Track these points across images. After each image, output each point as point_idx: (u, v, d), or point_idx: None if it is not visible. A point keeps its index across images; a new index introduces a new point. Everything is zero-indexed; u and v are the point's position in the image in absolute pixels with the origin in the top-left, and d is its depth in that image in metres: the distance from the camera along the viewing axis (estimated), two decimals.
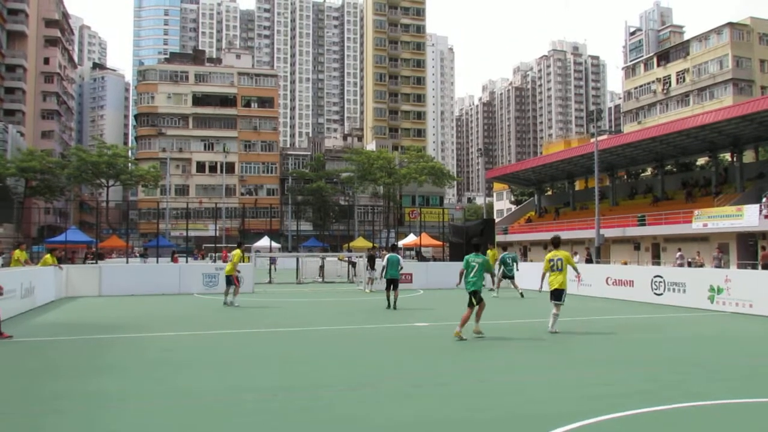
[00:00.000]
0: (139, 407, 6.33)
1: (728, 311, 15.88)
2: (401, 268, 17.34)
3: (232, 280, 17.61)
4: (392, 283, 16.98)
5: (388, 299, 16.99)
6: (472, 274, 11.33)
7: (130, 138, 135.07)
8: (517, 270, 22.72)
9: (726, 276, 16.69)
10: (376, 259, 24.69)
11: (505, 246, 29.23)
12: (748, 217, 32.20)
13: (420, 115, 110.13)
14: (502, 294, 22.24)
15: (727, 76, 70.34)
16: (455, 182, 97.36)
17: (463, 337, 10.96)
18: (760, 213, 31.72)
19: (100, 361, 8.91)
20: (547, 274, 12.07)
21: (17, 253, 18.99)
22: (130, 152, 75.55)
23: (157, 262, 32.39)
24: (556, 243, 12.36)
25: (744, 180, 40.76)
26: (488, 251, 23.26)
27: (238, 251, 18.35)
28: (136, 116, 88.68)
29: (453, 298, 21.67)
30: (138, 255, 45.43)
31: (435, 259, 47.95)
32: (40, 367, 8.63)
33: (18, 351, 10.03)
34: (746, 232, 34.48)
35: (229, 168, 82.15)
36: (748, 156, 46.59)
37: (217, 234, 48.06)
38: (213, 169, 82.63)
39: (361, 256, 28.19)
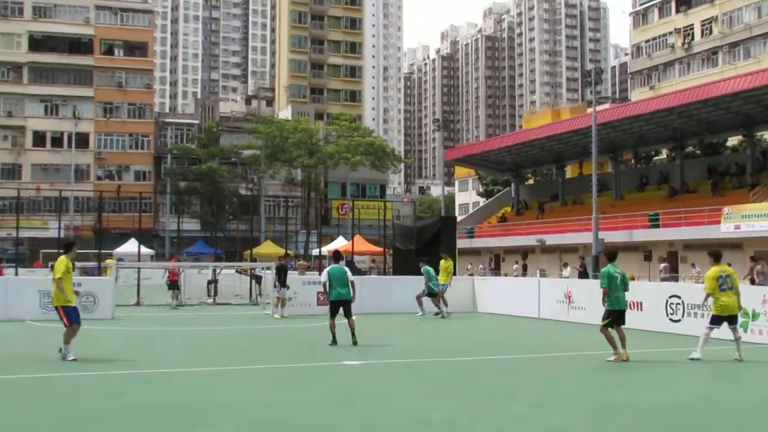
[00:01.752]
0: None
1: (765, 343, 16.35)
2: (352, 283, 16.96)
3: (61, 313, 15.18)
4: (344, 307, 16.53)
5: (334, 333, 16.35)
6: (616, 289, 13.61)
7: None
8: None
9: (765, 296, 17.16)
10: (290, 272, 24.86)
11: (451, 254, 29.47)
12: None
13: (355, 72, 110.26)
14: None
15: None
16: (402, 165, 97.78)
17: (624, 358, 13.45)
18: None
19: None
20: (710, 296, 13.83)
21: None
22: None
23: None
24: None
25: None
26: (442, 261, 25.24)
27: (63, 259, 15.22)
28: None
29: (398, 325, 21.71)
30: None
31: (374, 272, 48.02)
32: None
33: None
34: None
35: (82, 141, 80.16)
36: None
37: (63, 234, 46.55)
38: (57, 142, 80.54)
39: (268, 268, 28.01)
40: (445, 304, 24.73)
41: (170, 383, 11.59)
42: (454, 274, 28.58)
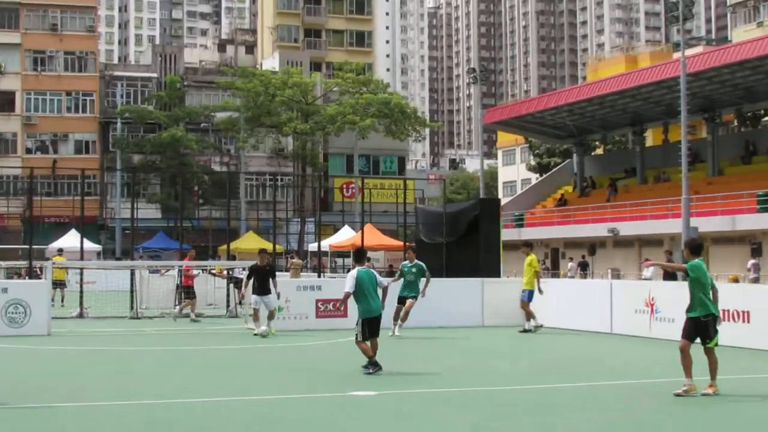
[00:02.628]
0: None
1: None
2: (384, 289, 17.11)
3: None
4: (375, 325, 16.06)
5: (371, 357, 15.96)
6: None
7: None
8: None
9: None
10: (280, 274, 24.85)
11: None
12: None
13: (363, 6, 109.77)
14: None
15: None
16: (428, 131, 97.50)
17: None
18: None
19: None
20: None
21: None
22: None
23: None
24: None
25: None
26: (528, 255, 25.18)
27: None
28: None
29: (422, 344, 21.70)
30: None
31: (391, 273, 47.94)
32: None
33: None
34: None
35: (6, 102, 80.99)
36: None
37: None
38: None
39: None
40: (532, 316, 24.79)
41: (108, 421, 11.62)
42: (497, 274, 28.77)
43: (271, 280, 24.00)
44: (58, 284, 34.93)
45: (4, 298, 23.32)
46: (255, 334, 23.18)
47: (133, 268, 35.72)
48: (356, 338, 15.74)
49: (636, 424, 11.38)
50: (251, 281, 24.11)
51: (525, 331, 24.40)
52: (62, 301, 35.33)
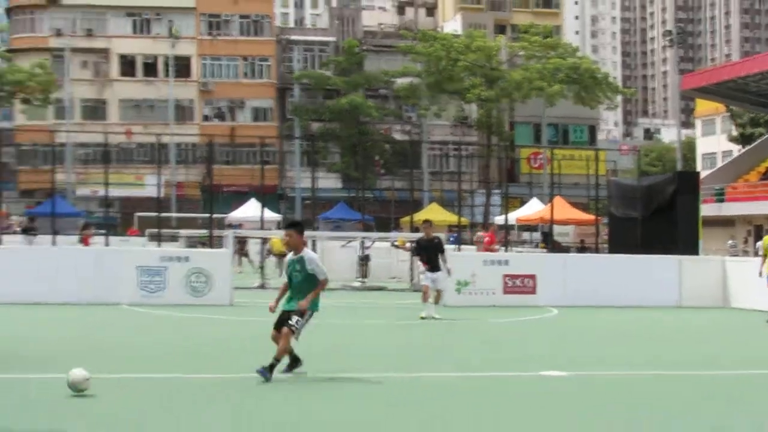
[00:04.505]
0: None
1: None
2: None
3: None
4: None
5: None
6: None
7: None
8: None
9: None
10: (468, 248, 24.81)
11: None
12: None
13: None
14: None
15: None
16: (620, 98, 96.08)
17: None
18: None
19: None
20: None
21: None
22: None
23: (53, 243, 33.26)
24: None
25: None
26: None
27: None
28: None
29: (616, 323, 21.89)
30: (19, 229, 46.47)
31: (583, 248, 47.79)
32: None
33: None
34: None
35: (182, 68, 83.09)
36: None
37: (162, 194, 48.82)
38: (151, 69, 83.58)
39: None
40: None
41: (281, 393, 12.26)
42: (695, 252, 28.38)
43: (439, 255, 22.89)
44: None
45: (186, 266, 24.34)
46: (421, 318, 22.08)
47: (314, 238, 36.77)
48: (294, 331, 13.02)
49: None
50: (420, 256, 23.65)
51: None
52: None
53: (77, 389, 9.60)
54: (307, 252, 13.32)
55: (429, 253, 23.02)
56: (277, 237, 33.11)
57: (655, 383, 13.35)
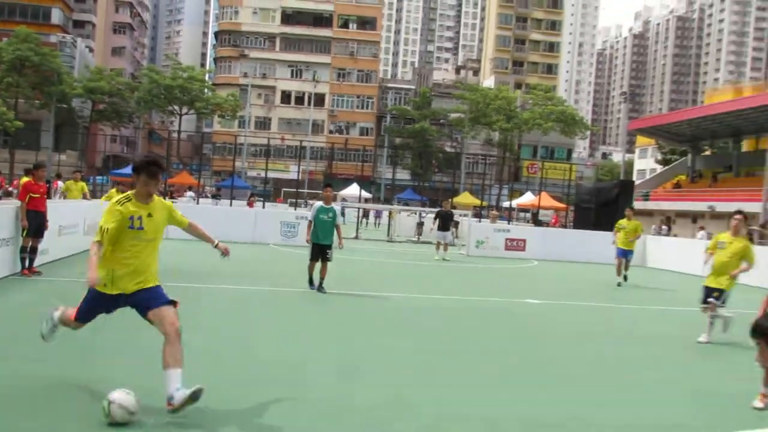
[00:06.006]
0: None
1: None
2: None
3: None
4: (319, 251, 12.91)
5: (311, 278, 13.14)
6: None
7: (209, 60, 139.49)
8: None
9: None
10: (483, 221, 24.83)
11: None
12: None
13: (553, 47, 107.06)
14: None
15: None
16: (589, 132, 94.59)
17: None
18: None
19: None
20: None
21: (69, 183, 19.15)
22: (207, 76, 77.71)
23: (231, 204, 33.67)
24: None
25: None
26: (625, 220, 19.05)
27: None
28: (216, 34, 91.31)
29: (571, 272, 21.60)
30: (209, 195, 47.17)
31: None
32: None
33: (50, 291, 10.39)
34: None
35: (319, 100, 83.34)
36: None
37: (300, 177, 49.29)
38: (300, 100, 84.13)
39: (465, 215, 28.02)
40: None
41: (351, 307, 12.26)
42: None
43: (450, 221, 23.70)
44: None
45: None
46: (435, 259, 22.45)
47: (391, 209, 36.83)
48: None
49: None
50: (437, 221, 23.40)
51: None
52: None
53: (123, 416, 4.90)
54: (335, 205, 13.08)
55: (444, 219, 23.26)
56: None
57: (597, 309, 13.29)
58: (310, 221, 12.69)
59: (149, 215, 5.28)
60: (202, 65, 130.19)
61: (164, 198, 5.97)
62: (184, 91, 67.28)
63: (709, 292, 10.22)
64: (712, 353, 9.68)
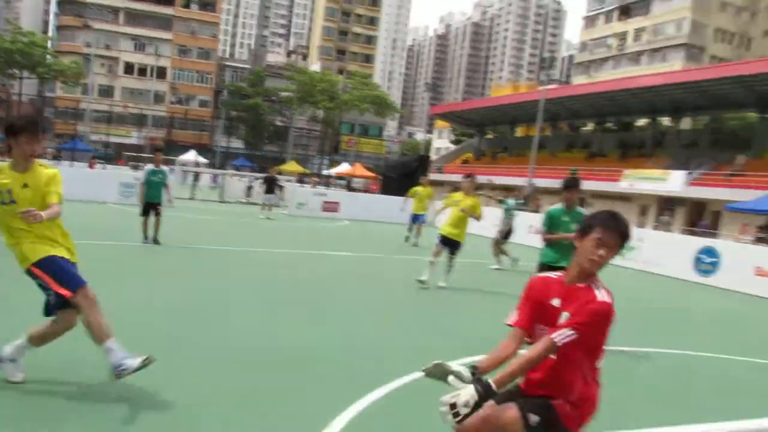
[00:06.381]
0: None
1: (636, 269, 17.16)
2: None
3: None
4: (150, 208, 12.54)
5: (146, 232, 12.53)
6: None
7: (51, 27, 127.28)
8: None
9: (640, 236, 17.96)
10: (305, 186, 24.86)
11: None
12: (672, 182, 34.04)
13: (371, 40, 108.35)
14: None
15: (682, 40, 72.12)
16: (398, 114, 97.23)
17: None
18: (686, 180, 33.51)
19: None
20: None
21: None
22: (49, 43, 71.35)
23: (72, 165, 31.55)
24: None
25: (678, 146, 42.72)
26: (420, 187, 18.87)
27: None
28: (59, 3, 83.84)
29: (377, 231, 22.35)
30: (51, 157, 43.82)
31: (367, 191, 48.47)
32: None
33: None
34: (667, 196, 36.50)
35: (161, 73, 79.25)
36: (685, 123, 48.57)
37: (141, 142, 46.90)
38: (142, 72, 79.54)
39: (289, 180, 27.97)
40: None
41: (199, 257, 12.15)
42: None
43: (275, 185, 23.44)
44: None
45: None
46: (260, 218, 22.13)
47: (224, 174, 35.99)
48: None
49: None
50: (264, 185, 23.57)
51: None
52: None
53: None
54: (164, 167, 12.81)
55: (269, 183, 23.17)
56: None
57: (386, 260, 13.37)
58: (142, 183, 12.52)
59: (25, 185, 4.10)
60: (45, 32, 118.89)
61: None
62: (25, 55, 61.26)
63: (445, 239, 10.21)
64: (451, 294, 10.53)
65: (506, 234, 15.78)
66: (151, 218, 12.41)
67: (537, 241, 8.18)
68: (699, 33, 72.42)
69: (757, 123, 39.58)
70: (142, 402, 4.24)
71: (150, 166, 12.65)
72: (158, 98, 78.56)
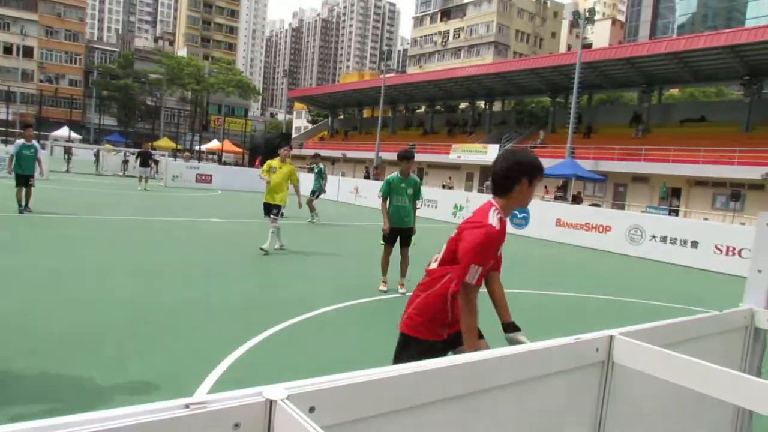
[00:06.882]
0: None
1: None
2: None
3: None
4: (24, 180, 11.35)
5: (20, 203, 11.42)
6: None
7: None
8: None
9: (467, 198, 18.59)
10: (178, 161, 23.40)
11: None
12: (490, 153, 35.81)
13: (232, 30, 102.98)
14: None
15: (491, 39, 75.69)
16: (260, 97, 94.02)
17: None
18: (499, 152, 35.31)
19: None
20: None
21: None
22: None
23: None
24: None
25: (491, 124, 44.97)
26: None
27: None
28: None
29: (246, 199, 21.48)
30: None
31: (237, 164, 46.56)
32: None
33: None
34: (487, 165, 38.41)
35: (27, 52, 70.37)
36: (497, 105, 51.21)
37: (10, 118, 41.35)
38: (8, 50, 70.12)
39: (163, 155, 26.25)
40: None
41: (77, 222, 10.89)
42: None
43: (149, 159, 22.22)
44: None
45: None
46: (138, 189, 20.51)
47: (99, 149, 32.84)
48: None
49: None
50: (138, 159, 22.33)
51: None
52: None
53: None
54: (35, 142, 11.48)
55: (144, 157, 21.89)
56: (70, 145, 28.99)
57: (250, 224, 12.79)
58: (12, 155, 11.41)
59: None
60: None
61: None
62: None
63: (269, 207, 9.42)
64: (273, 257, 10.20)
65: (316, 193, 16.07)
66: (24, 189, 11.43)
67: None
68: (503, 33, 76.39)
69: (549, 106, 42.57)
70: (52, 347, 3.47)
71: (21, 141, 11.56)
72: (26, 76, 69.92)
